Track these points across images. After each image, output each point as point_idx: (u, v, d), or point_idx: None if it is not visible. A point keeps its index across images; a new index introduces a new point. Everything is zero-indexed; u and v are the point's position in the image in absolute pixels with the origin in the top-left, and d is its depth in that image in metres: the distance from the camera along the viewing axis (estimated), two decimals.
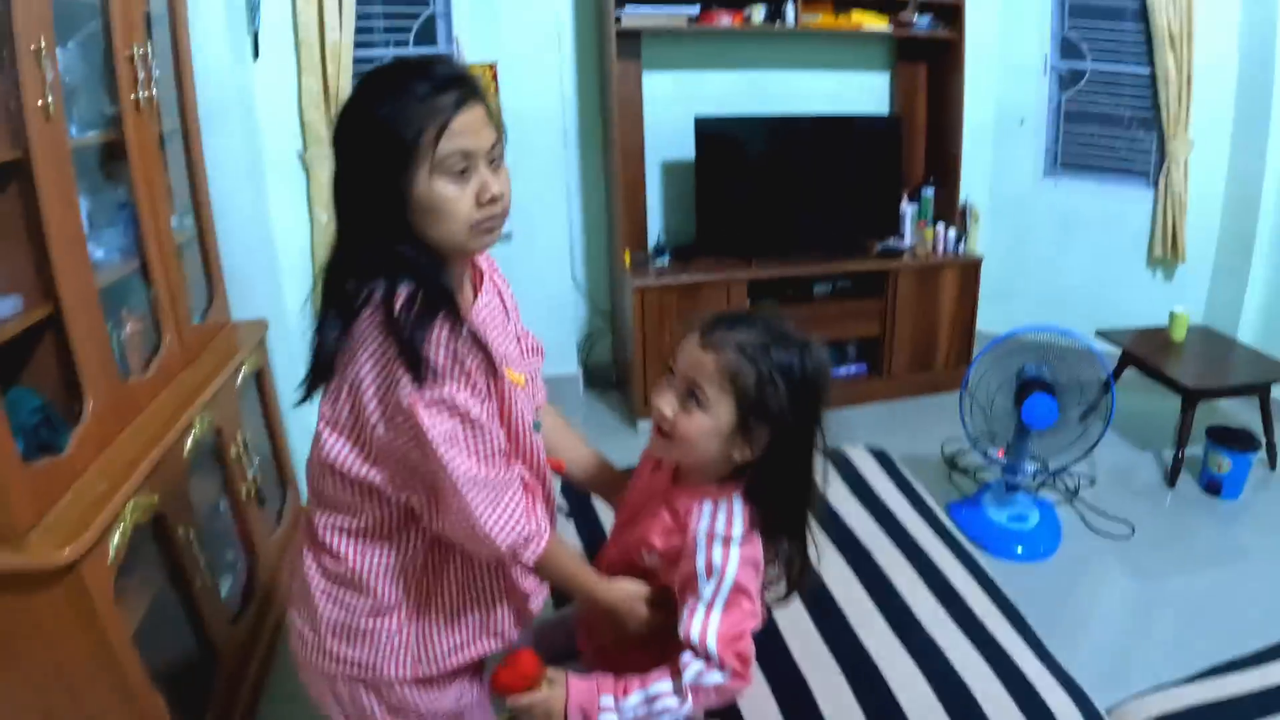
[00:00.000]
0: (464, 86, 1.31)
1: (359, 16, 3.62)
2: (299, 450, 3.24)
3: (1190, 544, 3.50)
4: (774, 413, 1.38)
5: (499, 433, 1.38)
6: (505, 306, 1.58)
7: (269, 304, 3.26)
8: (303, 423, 3.32)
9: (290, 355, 3.32)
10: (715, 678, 1.43)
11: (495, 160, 1.35)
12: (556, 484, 1.74)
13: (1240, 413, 4.32)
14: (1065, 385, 3.28)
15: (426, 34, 4.04)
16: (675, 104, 4.45)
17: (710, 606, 1.43)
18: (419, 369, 1.26)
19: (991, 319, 4.75)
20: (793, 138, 4.44)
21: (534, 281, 4.40)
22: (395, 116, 1.27)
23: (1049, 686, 1.82)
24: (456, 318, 1.29)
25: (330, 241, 1.39)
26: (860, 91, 4.79)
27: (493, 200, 1.33)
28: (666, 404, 1.43)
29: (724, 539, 1.44)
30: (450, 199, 1.30)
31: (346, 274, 1.33)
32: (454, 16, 4.05)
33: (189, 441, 2.32)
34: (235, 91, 3.20)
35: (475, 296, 1.49)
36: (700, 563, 1.44)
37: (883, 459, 2.83)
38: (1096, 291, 4.98)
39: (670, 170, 4.59)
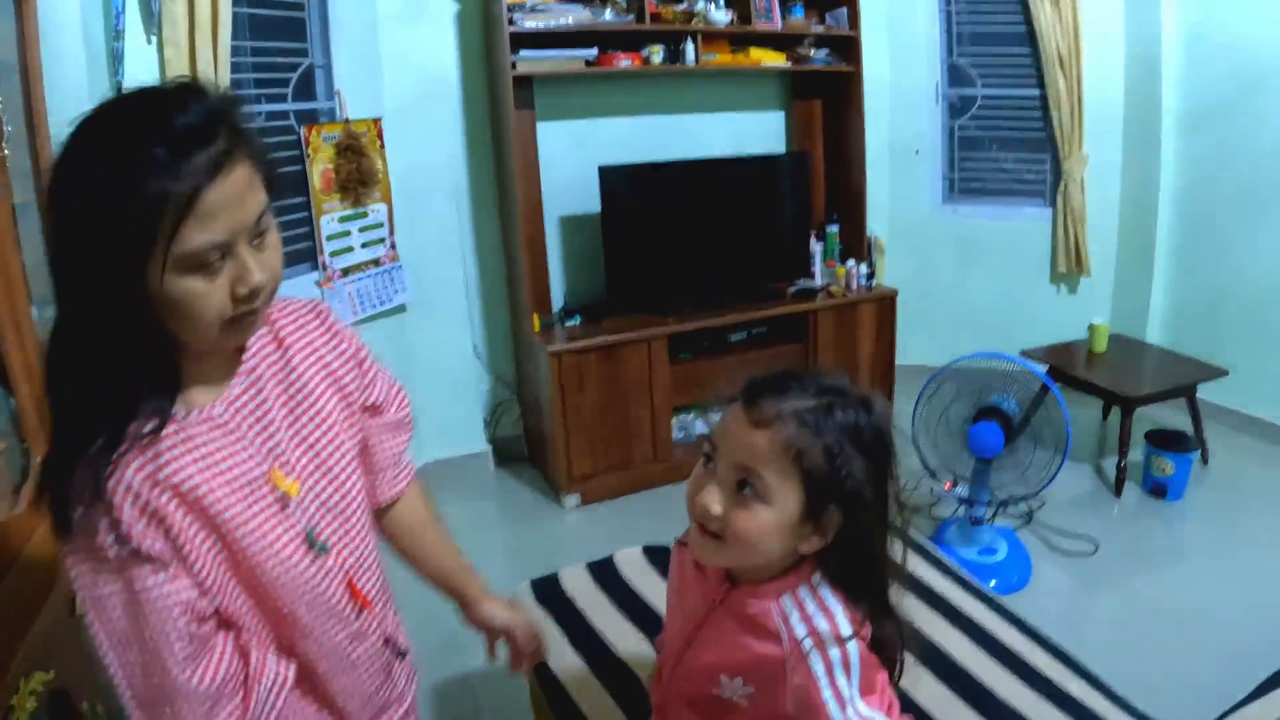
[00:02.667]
0: (217, 137, 0.97)
1: (232, 69, 3.18)
2: None
3: (1155, 550, 3.55)
4: (849, 489, 1.14)
5: (173, 625, 1.05)
6: (295, 387, 1.23)
7: None
8: None
9: None
10: None
11: (263, 231, 1.04)
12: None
13: (1160, 414, 4.39)
14: (1017, 411, 3.22)
15: (305, 88, 3.67)
16: (571, 155, 4.24)
17: (850, 701, 1.18)
18: (57, 517, 1.01)
19: (903, 349, 4.72)
20: (699, 182, 4.27)
21: (433, 355, 4.13)
22: (118, 193, 0.92)
23: None
24: (104, 459, 1.00)
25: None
26: (757, 132, 4.69)
27: (252, 294, 1.03)
28: (714, 500, 1.17)
29: (835, 638, 1.18)
30: (197, 296, 0.99)
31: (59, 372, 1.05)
32: (335, 68, 3.69)
33: None
34: None
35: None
36: (818, 668, 1.17)
37: None
38: (1003, 312, 5.02)
39: (569, 225, 4.35)
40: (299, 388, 1.23)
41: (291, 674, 1.20)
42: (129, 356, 1.02)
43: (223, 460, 1.10)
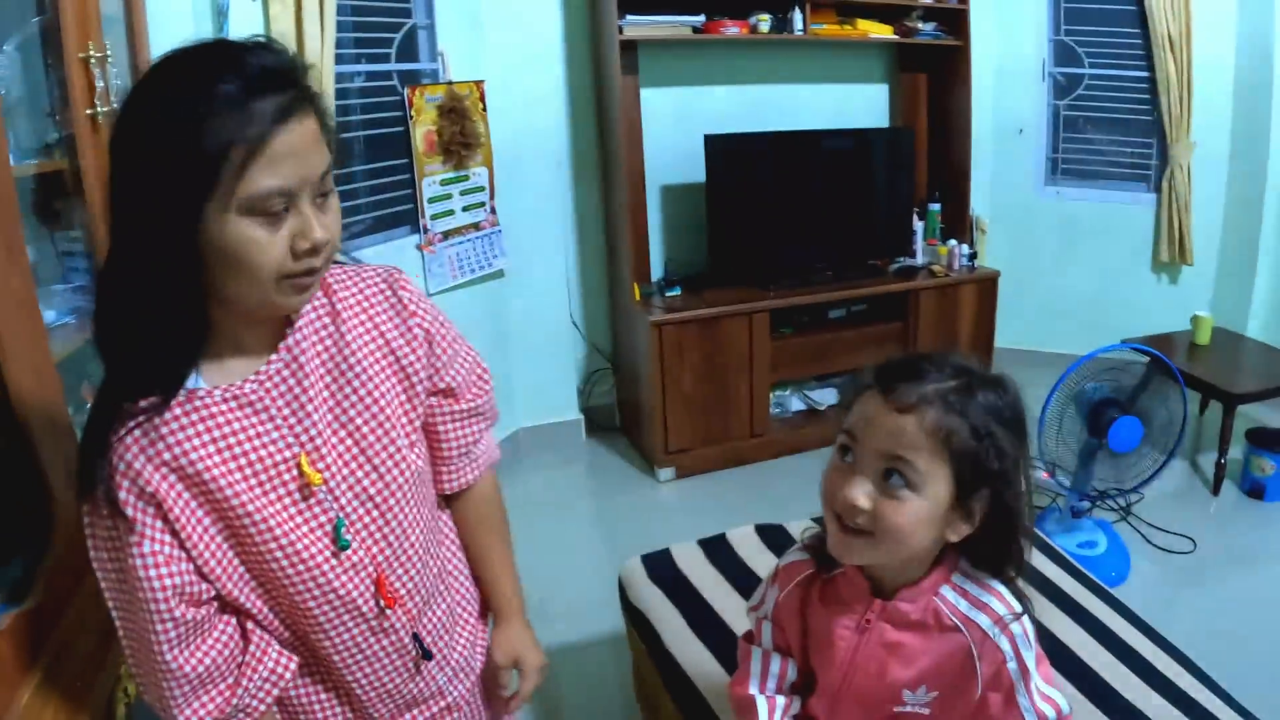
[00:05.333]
0: (290, 86, 0.96)
1: (336, 28, 3.09)
2: None
3: (1254, 551, 3.47)
4: (998, 470, 1.10)
5: (159, 608, 1.03)
6: (345, 366, 1.16)
7: None
8: None
9: None
10: None
11: (325, 192, 1.01)
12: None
13: (1257, 412, 4.30)
14: (1136, 405, 3.14)
15: (408, 49, 3.63)
16: (674, 123, 4.20)
17: (1032, 675, 1.22)
18: (83, 479, 1.01)
19: (1003, 333, 4.66)
20: (803, 154, 4.20)
21: (529, 321, 4.11)
22: (186, 126, 0.90)
23: None
24: (114, 426, 1.00)
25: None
26: (861, 105, 4.63)
27: (313, 250, 0.99)
28: (860, 494, 1.10)
29: (1012, 614, 1.19)
30: (255, 245, 0.96)
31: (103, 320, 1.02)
32: (438, 29, 3.64)
33: None
34: None
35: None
36: (1006, 647, 1.19)
37: None
38: (1102, 299, 4.94)
39: (670, 194, 4.31)
40: (349, 366, 1.15)
41: (292, 667, 1.18)
42: (165, 316, 0.99)
43: (241, 443, 1.07)
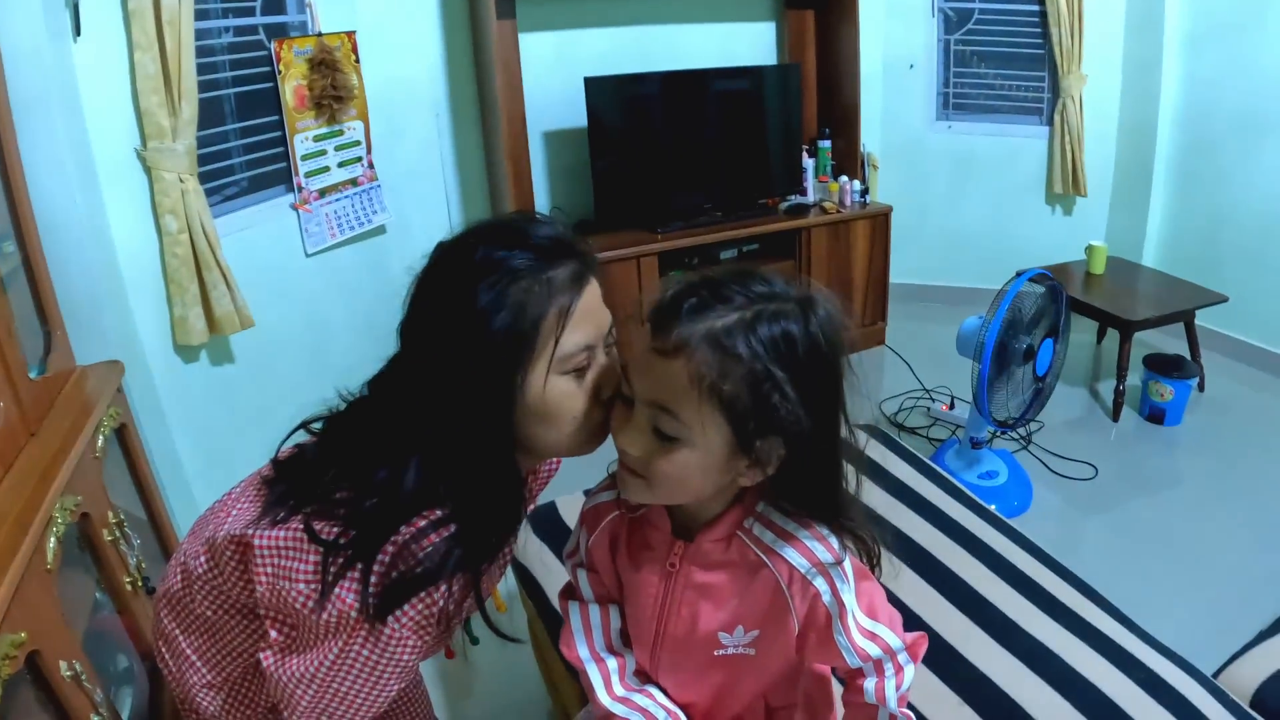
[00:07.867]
0: (578, 255, 1.10)
1: None
2: (178, 510, 2.67)
3: (1154, 475, 3.50)
4: (783, 417, 0.96)
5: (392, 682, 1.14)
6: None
7: (120, 339, 2.60)
8: (177, 474, 2.80)
9: (155, 400, 2.74)
10: (909, 671, 1.18)
11: (611, 344, 1.14)
12: None
13: (1153, 339, 4.33)
14: (1040, 328, 3.10)
15: (274, 2, 3.44)
16: (554, 67, 4.05)
17: (854, 612, 1.12)
18: (383, 611, 1.05)
19: (897, 268, 4.63)
20: (689, 94, 4.11)
21: (412, 277, 3.93)
22: (498, 303, 1.03)
23: (1159, 662, 1.67)
24: (475, 576, 1.12)
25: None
26: (747, 43, 4.52)
27: (613, 396, 1.11)
28: (630, 442, 1.03)
29: (816, 538, 1.09)
30: (569, 397, 1.09)
31: (395, 461, 1.09)
32: None
33: (50, 543, 1.59)
34: (56, 77, 2.48)
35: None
36: (820, 583, 1.09)
37: (881, 436, 2.63)
38: (997, 232, 4.93)
39: (553, 140, 4.18)
40: None
41: None
42: (503, 474, 1.12)
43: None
